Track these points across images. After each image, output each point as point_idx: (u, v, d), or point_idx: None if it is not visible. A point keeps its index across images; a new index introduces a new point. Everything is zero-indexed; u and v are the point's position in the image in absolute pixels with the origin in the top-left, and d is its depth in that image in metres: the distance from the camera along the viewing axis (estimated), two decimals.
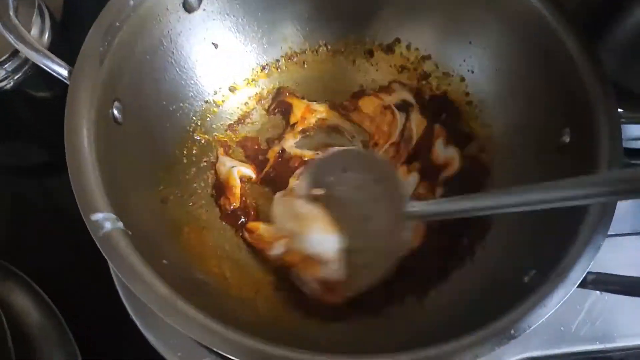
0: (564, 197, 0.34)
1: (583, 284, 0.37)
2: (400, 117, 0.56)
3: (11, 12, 0.38)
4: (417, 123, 0.56)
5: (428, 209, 0.43)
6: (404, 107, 0.57)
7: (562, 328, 0.53)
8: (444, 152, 0.54)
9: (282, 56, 0.59)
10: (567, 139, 0.45)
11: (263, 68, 0.58)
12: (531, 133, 0.49)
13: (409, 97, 0.57)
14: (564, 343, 0.51)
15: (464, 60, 0.56)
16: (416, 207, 0.43)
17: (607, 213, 0.39)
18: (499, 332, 0.35)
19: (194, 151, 0.54)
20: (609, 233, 0.55)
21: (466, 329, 0.35)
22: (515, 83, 0.52)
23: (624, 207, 0.59)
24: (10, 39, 0.38)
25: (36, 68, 0.54)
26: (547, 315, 0.35)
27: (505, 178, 0.52)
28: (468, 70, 0.56)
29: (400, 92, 0.57)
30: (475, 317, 0.37)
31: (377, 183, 0.46)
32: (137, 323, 0.46)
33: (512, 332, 0.35)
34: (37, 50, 0.39)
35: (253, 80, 0.58)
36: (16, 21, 0.39)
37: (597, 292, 0.53)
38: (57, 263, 0.57)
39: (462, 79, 0.56)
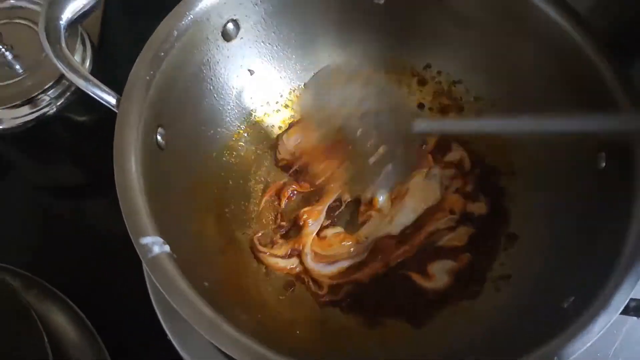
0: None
1: (625, 311, 0.37)
2: None
3: (63, 43, 0.40)
4: None
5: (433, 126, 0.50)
6: None
7: (598, 354, 0.52)
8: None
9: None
10: (602, 163, 0.45)
11: (296, 93, 0.60)
12: (566, 158, 0.49)
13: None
14: None
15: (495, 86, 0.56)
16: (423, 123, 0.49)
17: None
18: (541, 358, 0.34)
19: (236, 177, 0.55)
20: None
21: (505, 353, 0.35)
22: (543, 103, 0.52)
23: None
24: (62, 68, 0.40)
25: (77, 94, 0.56)
26: (590, 343, 0.35)
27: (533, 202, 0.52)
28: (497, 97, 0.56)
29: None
30: (512, 341, 0.37)
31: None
32: (174, 343, 0.47)
33: (555, 358, 0.35)
34: (86, 79, 0.40)
35: (286, 105, 0.59)
36: (67, 51, 0.40)
37: (635, 317, 0.53)
38: (94, 282, 0.58)
39: (493, 104, 0.57)
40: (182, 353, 0.47)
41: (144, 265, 0.37)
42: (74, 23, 0.42)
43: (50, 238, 0.63)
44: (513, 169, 0.55)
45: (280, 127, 0.59)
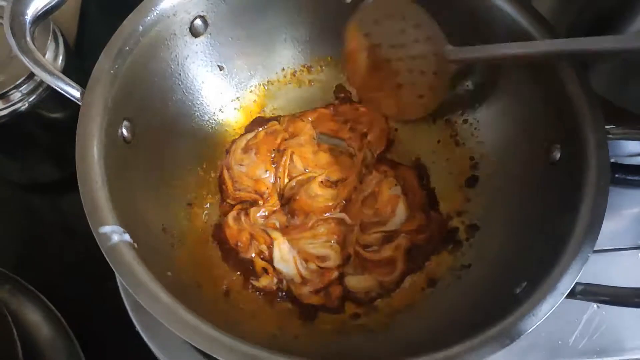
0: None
1: (572, 295, 0.38)
2: None
3: (28, 38, 0.41)
4: None
5: (467, 53, 0.50)
6: None
7: (559, 342, 0.53)
8: None
9: (284, 76, 0.61)
10: (557, 154, 0.47)
11: (266, 87, 0.61)
12: (523, 149, 0.51)
13: None
14: (561, 357, 0.52)
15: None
16: (454, 50, 0.50)
17: (595, 225, 0.40)
18: (488, 340, 0.36)
19: (200, 168, 0.56)
20: (608, 247, 0.57)
21: (457, 338, 0.36)
22: (507, 102, 0.54)
23: (624, 222, 0.60)
24: (27, 62, 0.41)
25: (50, 90, 0.57)
26: (536, 325, 0.36)
27: (495, 193, 0.53)
28: (464, 90, 0.58)
29: None
30: (466, 327, 0.38)
31: (416, 28, 0.52)
32: (143, 335, 0.48)
33: (505, 340, 0.36)
34: (51, 73, 0.41)
35: (257, 99, 0.60)
36: (32, 46, 0.41)
37: (595, 305, 0.54)
38: (68, 278, 0.58)
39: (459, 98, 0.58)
40: (149, 344, 0.48)
41: None
42: (39, 18, 0.42)
43: (26, 234, 0.64)
44: (474, 161, 0.57)
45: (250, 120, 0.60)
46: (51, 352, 0.50)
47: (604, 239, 0.55)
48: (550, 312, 0.37)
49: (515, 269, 0.44)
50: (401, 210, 0.54)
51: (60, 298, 0.53)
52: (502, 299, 0.41)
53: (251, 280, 0.51)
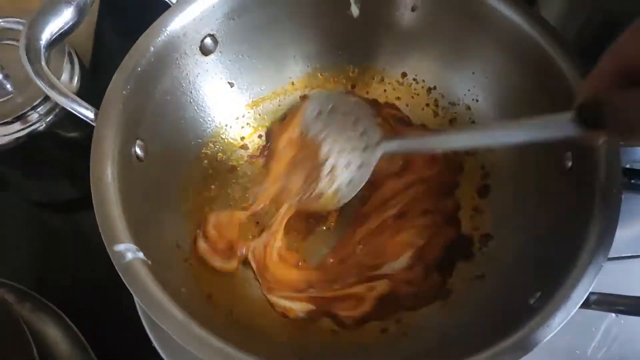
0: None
1: (586, 305, 0.38)
2: None
3: (43, 62, 0.42)
4: None
5: (400, 145, 0.49)
6: None
7: (577, 351, 0.53)
8: None
9: (294, 89, 0.62)
10: (569, 163, 0.46)
11: (274, 102, 0.61)
12: (534, 158, 0.51)
13: None
14: None
15: (469, 90, 0.58)
16: (387, 145, 0.49)
17: (608, 233, 0.40)
18: (501, 353, 0.35)
19: (213, 185, 0.56)
20: (622, 255, 0.56)
21: (469, 350, 0.36)
22: (518, 110, 0.53)
23: (637, 229, 0.59)
24: (42, 85, 0.42)
25: (66, 111, 0.58)
26: (550, 336, 0.36)
27: (508, 202, 0.53)
28: (473, 99, 0.58)
29: None
30: (479, 339, 0.38)
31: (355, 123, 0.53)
32: (159, 351, 0.48)
33: (518, 352, 0.36)
34: (65, 96, 0.42)
35: (267, 113, 0.61)
36: (47, 69, 0.42)
37: (613, 315, 0.53)
38: (86, 295, 0.59)
39: (468, 108, 0.58)
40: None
41: None
42: (54, 42, 0.44)
43: (45, 252, 0.65)
44: (486, 170, 0.56)
45: (260, 136, 0.60)
46: None
47: (620, 246, 0.56)
48: (564, 322, 0.36)
49: (529, 279, 0.43)
50: (405, 259, 0.53)
51: (78, 314, 0.53)
52: (517, 309, 0.40)
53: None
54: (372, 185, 0.55)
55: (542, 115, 0.39)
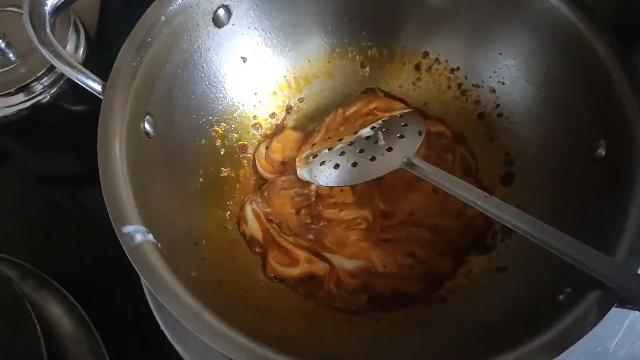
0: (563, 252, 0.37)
1: (622, 304, 0.36)
2: None
3: (47, 29, 0.40)
4: None
5: (426, 170, 0.46)
6: None
7: (599, 348, 0.51)
8: None
9: (310, 67, 0.59)
10: (602, 152, 0.44)
11: (290, 80, 0.59)
12: (563, 146, 0.48)
13: None
14: None
15: (494, 72, 0.55)
16: (420, 163, 0.47)
17: None
18: (536, 350, 0.34)
19: (224, 166, 0.54)
20: None
21: (500, 344, 0.35)
22: (547, 94, 0.50)
23: None
24: (46, 54, 0.39)
25: (71, 82, 0.55)
26: (586, 335, 0.34)
27: (532, 190, 0.51)
28: (498, 82, 0.55)
29: None
30: (501, 336, 0.36)
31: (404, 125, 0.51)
32: (167, 334, 0.46)
33: (548, 353, 0.34)
34: (71, 66, 0.40)
35: (281, 91, 0.59)
36: (52, 37, 0.40)
37: (637, 311, 0.51)
38: (90, 273, 0.58)
39: (493, 91, 0.56)
40: (173, 343, 0.47)
41: None
42: (59, 8, 0.41)
43: (49, 228, 0.64)
44: (510, 157, 0.54)
45: (273, 114, 0.58)
46: (73, 346, 0.50)
47: None
48: (598, 323, 0.34)
49: (557, 274, 0.41)
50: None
51: (82, 292, 0.52)
52: (544, 305, 0.38)
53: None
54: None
55: (588, 245, 0.37)
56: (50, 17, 0.40)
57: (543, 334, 0.34)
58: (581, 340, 0.50)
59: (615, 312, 0.43)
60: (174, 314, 0.34)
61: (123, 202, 0.37)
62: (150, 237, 0.37)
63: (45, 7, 0.40)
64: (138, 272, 0.35)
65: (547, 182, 0.49)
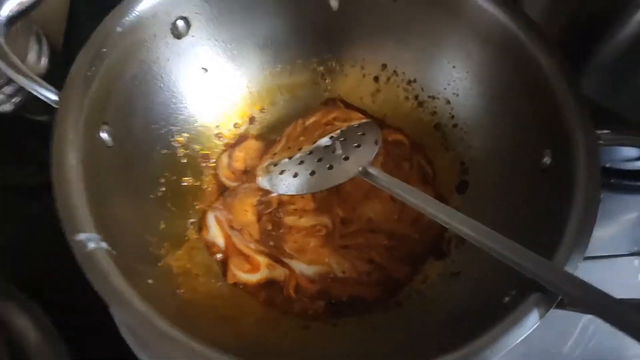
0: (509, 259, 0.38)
1: (561, 305, 0.37)
2: None
3: (1, 40, 0.40)
4: None
5: (381, 179, 0.47)
6: None
7: (552, 350, 0.52)
8: None
9: (269, 79, 0.60)
10: (548, 160, 0.45)
11: (252, 90, 0.60)
12: (513, 155, 0.50)
13: None
14: None
15: (449, 84, 0.57)
16: (375, 172, 0.48)
17: (585, 233, 0.39)
18: (472, 353, 0.35)
19: (185, 174, 0.55)
20: (603, 254, 0.55)
21: (448, 344, 0.36)
22: (498, 106, 0.52)
23: (620, 227, 0.59)
24: (0, 65, 0.40)
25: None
26: (522, 338, 0.35)
27: (484, 197, 0.53)
28: (453, 94, 0.57)
29: None
30: (452, 336, 0.37)
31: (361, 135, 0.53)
32: (128, 341, 0.46)
33: (489, 352, 0.35)
34: (25, 75, 0.40)
35: (243, 101, 0.60)
36: (6, 47, 0.40)
37: (590, 315, 0.53)
38: (56, 283, 0.57)
39: (448, 102, 0.57)
40: (136, 351, 0.46)
41: None
42: (14, 19, 0.41)
43: (12, 237, 0.63)
44: (465, 166, 0.56)
45: (235, 124, 0.59)
46: (39, 357, 0.49)
47: (599, 246, 0.55)
48: (538, 323, 0.36)
49: (504, 277, 0.42)
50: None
51: (49, 303, 0.51)
52: (491, 308, 0.39)
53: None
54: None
55: (530, 251, 0.38)
56: (5, 27, 0.41)
57: (486, 334, 0.35)
58: (535, 343, 0.52)
59: (568, 315, 0.45)
60: (122, 320, 0.34)
61: (77, 210, 0.37)
62: (104, 244, 0.37)
63: (0, 18, 0.41)
64: (88, 278, 0.35)
65: (499, 189, 0.51)
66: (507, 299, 0.39)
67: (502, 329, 0.36)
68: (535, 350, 0.52)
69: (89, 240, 0.36)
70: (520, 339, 0.35)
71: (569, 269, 0.38)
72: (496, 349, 0.35)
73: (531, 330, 0.36)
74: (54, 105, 0.41)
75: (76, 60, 0.42)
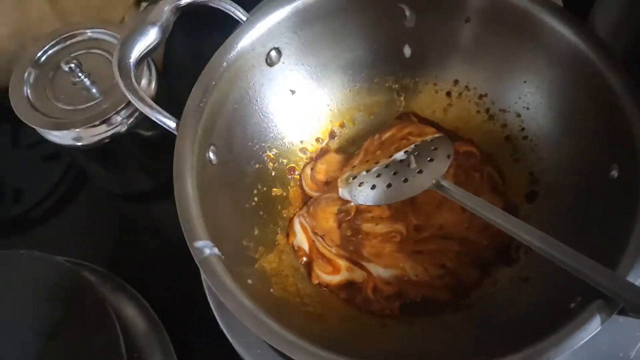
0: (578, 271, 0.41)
1: (623, 312, 0.40)
2: None
3: (133, 79, 0.48)
4: None
5: (452, 191, 0.51)
6: None
7: (620, 354, 0.54)
8: None
9: (351, 96, 0.66)
10: (615, 173, 0.48)
11: (333, 108, 0.65)
12: (581, 167, 0.53)
13: None
14: None
15: (520, 98, 0.59)
16: (447, 184, 0.52)
17: None
18: (536, 354, 0.38)
19: (276, 187, 0.62)
20: None
21: (512, 345, 0.39)
22: (567, 120, 0.55)
23: None
24: (131, 99, 0.47)
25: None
26: (585, 340, 0.38)
27: (553, 207, 0.55)
28: (523, 107, 0.60)
29: None
30: (519, 337, 0.41)
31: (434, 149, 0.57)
32: (225, 332, 0.53)
33: (552, 353, 0.38)
34: (151, 107, 0.47)
35: (325, 118, 0.65)
36: (136, 85, 0.48)
37: None
38: (160, 277, 0.65)
39: (518, 115, 0.60)
40: (232, 342, 0.53)
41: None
42: (141, 60, 0.49)
43: (124, 238, 0.72)
44: (534, 177, 0.59)
45: (318, 139, 0.65)
46: (146, 344, 0.56)
47: None
48: (600, 327, 0.39)
49: (571, 284, 0.45)
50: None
51: (152, 295, 0.59)
52: (557, 313, 0.42)
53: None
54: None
55: (594, 261, 0.41)
56: (134, 68, 0.48)
57: (549, 336, 0.39)
58: (603, 347, 0.54)
59: (635, 322, 0.47)
60: (235, 316, 0.40)
61: (194, 221, 0.44)
62: (216, 250, 0.43)
63: (130, 60, 0.48)
64: (208, 281, 0.42)
65: (567, 200, 0.54)
66: (573, 304, 0.42)
67: (565, 333, 0.39)
68: (603, 353, 0.54)
69: (205, 247, 0.43)
70: (581, 343, 0.39)
71: (631, 278, 0.40)
72: (558, 351, 0.38)
73: (593, 334, 0.39)
74: (173, 132, 0.48)
75: (191, 94, 0.49)
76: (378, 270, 0.56)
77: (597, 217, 0.49)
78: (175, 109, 0.50)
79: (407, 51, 0.63)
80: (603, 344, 0.53)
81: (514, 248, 0.56)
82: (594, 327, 0.39)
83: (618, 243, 0.43)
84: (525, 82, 0.58)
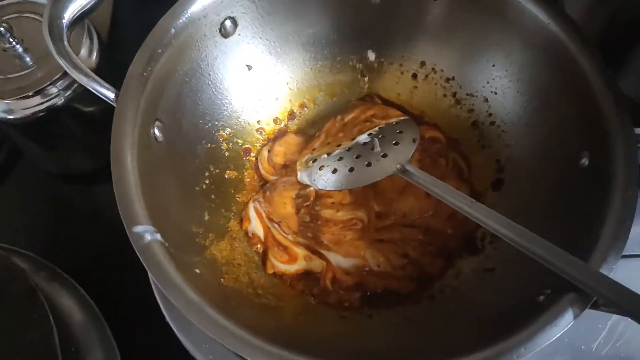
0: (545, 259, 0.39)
1: (595, 306, 0.38)
2: None
3: (65, 41, 0.42)
4: None
5: (417, 176, 0.49)
6: None
7: (582, 347, 0.53)
8: None
9: (312, 75, 0.62)
10: (586, 162, 0.46)
11: (293, 87, 0.62)
12: (550, 155, 0.51)
13: None
14: None
15: (487, 82, 0.57)
16: (413, 169, 0.49)
17: (622, 234, 0.40)
18: (507, 350, 0.36)
19: (228, 168, 0.57)
20: (634, 253, 0.56)
21: (481, 341, 0.37)
22: (537, 105, 0.53)
23: None
24: (64, 64, 0.42)
25: (84, 86, 0.58)
26: (557, 336, 0.36)
27: (519, 196, 0.53)
28: (491, 92, 0.57)
29: None
30: (486, 332, 0.39)
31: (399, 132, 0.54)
32: (172, 326, 0.49)
33: (523, 350, 0.36)
34: (87, 75, 0.42)
35: (284, 97, 0.62)
36: (69, 49, 0.42)
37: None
38: (99, 266, 0.61)
39: (486, 100, 0.58)
40: (178, 335, 0.49)
41: None
42: (75, 22, 0.44)
43: (61, 223, 0.67)
44: (501, 164, 0.57)
45: (276, 119, 0.61)
46: (83, 336, 0.53)
47: (634, 244, 0.55)
48: (571, 324, 0.37)
49: (538, 276, 0.43)
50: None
51: (92, 284, 0.55)
52: (525, 306, 0.40)
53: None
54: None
55: (566, 252, 0.39)
56: (67, 30, 0.43)
57: (521, 332, 0.37)
58: (565, 339, 0.53)
59: (598, 314, 0.46)
60: (179, 309, 0.36)
61: (133, 204, 0.40)
62: (158, 236, 0.39)
63: (63, 21, 0.43)
64: (147, 269, 0.38)
65: (535, 189, 0.52)
66: (541, 297, 0.40)
67: (536, 328, 0.37)
68: (565, 345, 0.53)
69: (145, 232, 0.39)
70: (553, 339, 0.37)
71: (604, 270, 0.38)
72: (529, 347, 0.36)
73: (565, 330, 0.37)
74: (112, 104, 0.43)
75: (133, 61, 0.44)
76: (338, 259, 0.53)
77: (566, 207, 0.47)
78: (120, 84, 0.45)
79: (371, 25, 0.59)
80: (565, 337, 0.52)
81: (480, 237, 0.54)
82: (565, 322, 0.37)
83: (589, 234, 0.41)
84: (494, 65, 0.56)
